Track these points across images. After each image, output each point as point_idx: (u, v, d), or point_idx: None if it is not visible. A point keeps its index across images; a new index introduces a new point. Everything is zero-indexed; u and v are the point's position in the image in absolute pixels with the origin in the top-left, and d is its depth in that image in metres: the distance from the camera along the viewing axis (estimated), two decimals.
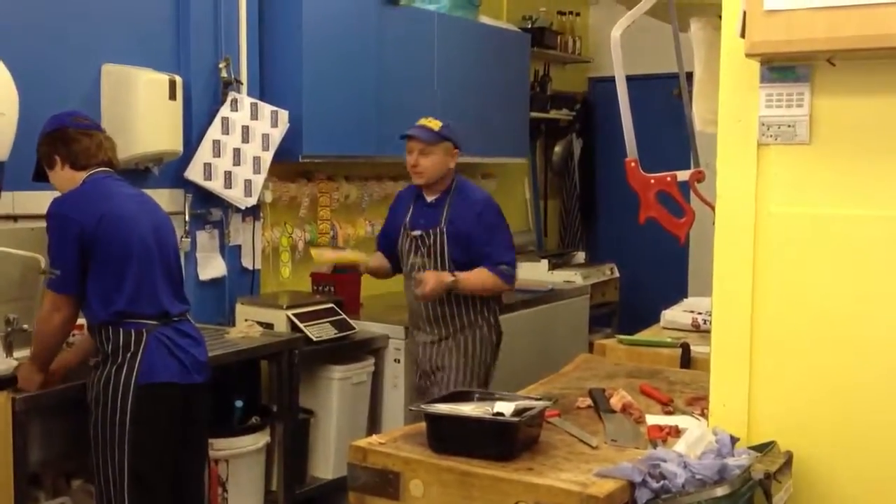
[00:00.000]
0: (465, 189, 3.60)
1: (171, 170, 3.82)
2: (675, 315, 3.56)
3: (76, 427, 2.88)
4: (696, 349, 3.00)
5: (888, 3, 1.79)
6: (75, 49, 3.47)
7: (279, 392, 3.67)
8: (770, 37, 1.90)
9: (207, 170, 3.87)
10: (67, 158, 2.86)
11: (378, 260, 3.85)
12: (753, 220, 2.07)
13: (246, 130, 3.95)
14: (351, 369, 3.95)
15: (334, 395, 3.92)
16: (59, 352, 2.87)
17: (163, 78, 3.59)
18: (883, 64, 1.94)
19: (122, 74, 3.54)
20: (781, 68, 2.01)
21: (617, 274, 5.99)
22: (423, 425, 2.10)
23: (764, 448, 2.01)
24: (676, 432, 2.17)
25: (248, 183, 3.98)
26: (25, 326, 3.12)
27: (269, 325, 3.77)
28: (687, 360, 2.99)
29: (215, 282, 4.04)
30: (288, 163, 4.21)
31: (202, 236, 4.00)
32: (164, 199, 3.60)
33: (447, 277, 3.44)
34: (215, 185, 3.90)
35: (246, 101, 3.96)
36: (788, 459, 2.01)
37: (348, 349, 3.96)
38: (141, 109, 3.51)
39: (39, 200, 3.07)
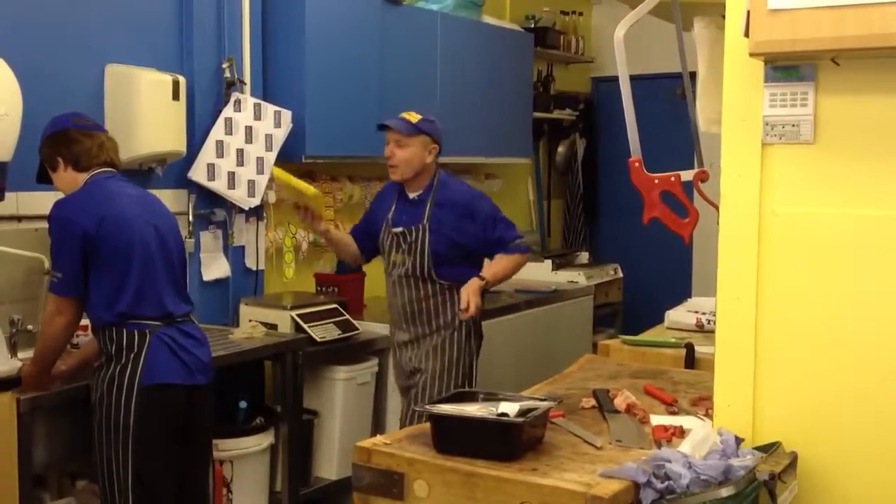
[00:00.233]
0: (447, 186, 3.51)
1: (175, 170, 3.82)
2: (678, 315, 3.56)
3: (81, 428, 2.88)
4: (700, 349, 3.00)
5: (892, 2, 1.78)
6: (79, 49, 3.48)
7: (283, 393, 3.67)
8: (774, 36, 1.89)
9: (211, 170, 3.87)
10: (69, 160, 2.86)
11: (345, 237, 3.73)
12: (757, 219, 2.06)
13: (249, 131, 3.96)
14: (355, 370, 3.95)
15: (338, 395, 3.92)
16: (61, 354, 2.87)
17: (166, 78, 3.59)
18: (887, 63, 1.93)
19: (126, 75, 3.54)
20: (785, 68, 2.01)
21: (620, 274, 5.98)
22: (427, 426, 2.10)
23: (769, 448, 2.01)
24: (681, 433, 2.16)
25: (251, 183, 3.98)
26: (30, 327, 3.12)
27: (272, 326, 3.77)
28: (691, 361, 2.99)
29: (219, 282, 4.04)
30: (291, 163, 4.20)
31: (206, 237, 4.00)
32: (168, 199, 3.60)
33: (478, 282, 3.38)
34: (219, 186, 3.90)
35: (249, 101, 3.96)
36: (793, 460, 2.01)
37: (352, 350, 3.96)
38: (144, 110, 3.52)
39: (43, 201, 3.07)
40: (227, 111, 3.91)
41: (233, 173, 3.92)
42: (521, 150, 5.66)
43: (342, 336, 3.86)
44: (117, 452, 2.76)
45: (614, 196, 6.56)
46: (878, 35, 1.81)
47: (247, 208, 4.04)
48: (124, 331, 2.78)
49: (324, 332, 3.80)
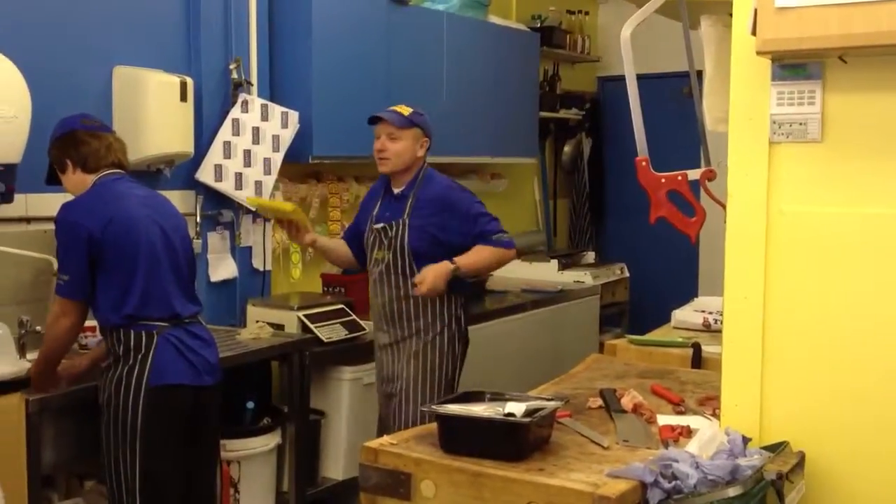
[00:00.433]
0: (431, 181, 3.39)
1: (183, 171, 3.83)
2: (685, 315, 3.55)
3: (89, 428, 2.89)
4: (707, 349, 2.99)
5: None
6: (87, 51, 3.49)
7: (290, 393, 3.68)
8: (781, 34, 1.89)
9: (218, 171, 3.88)
10: (78, 161, 2.87)
11: (335, 243, 3.68)
12: (765, 219, 2.06)
13: (256, 132, 3.96)
14: (361, 370, 3.95)
15: (345, 395, 3.93)
16: (64, 355, 2.87)
17: (174, 80, 3.60)
18: (895, 61, 1.93)
19: (134, 76, 3.56)
20: (793, 66, 2.01)
21: (627, 274, 5.97)
22: (433, 426, 2.10)
23: (776, 448, 2.00)
24: (688, 432, 2.16)
25: (258, 184, 3.99)
26: (38, 328, 3.12)
27: (279, 327, 3.77)
28: (698, 360, 2.98)
29: (226, 283, 4.05)
30: (298, 164, 4.22)
31: (213, 238, 4.01)
32: (176, 200, 3.60)
33: (447, 266, 3.24)
34: (226, 187, 3.91)
35: (256, 102, 3.97)
36: (801, 460, 2.01)
37: (359, 350, 3.95)
38: (152, 111, 3.53)
39: (52, 203, 3.08)
40: (235, 112, 3.92)
41: (240, 174, 3.93)
42: (527, 150, 5.66)
43: (349, 336, 3.87)
44: (125, 453, 2.77)
45: (620, 195, 6.55)
46: (886, 32, 1.80)
47: (254, 209, 4.05)
48: (132, 332, 2.79)
49: (330, 332, 3.80)
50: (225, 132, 3.90)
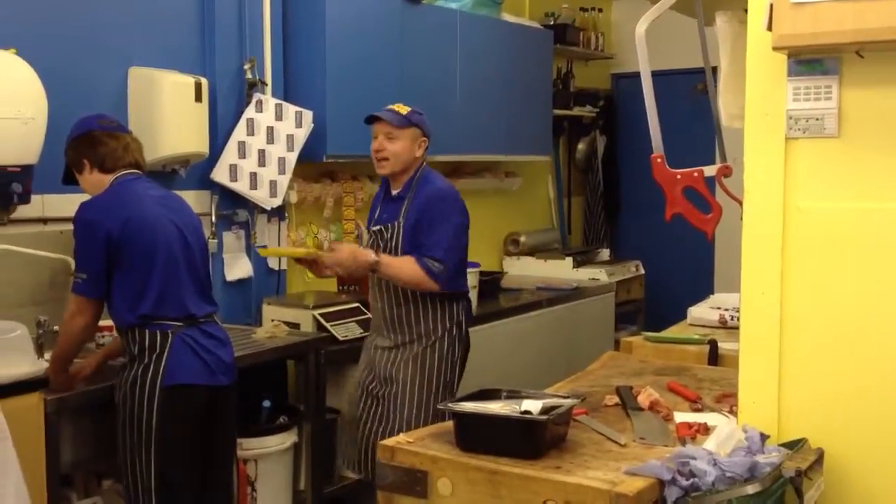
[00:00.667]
0: (426, 181, 3.28)
1: (198, 171, 3.84)
2: (701, 312, 3.54)
3: (107, 428, 2.91)
4: (723, 346, 2.98)
5: None
6: (103, 53, 3.51)
7: (306, 392, 3.69)
8: (797, 29, 1.88)
9: (233, 171, 3.89)
10: (95, 161, 2.88)
11: None
12: (782, 215, 2.05)
13: (271, 131, 3.97)
14: None
15: None
16: (77, 354, 2.89)
17: (188, 80, 3.62)
18: None
19: (149, 77, 3.57)
20: (809, 61, 2.00)
21: (642, 271, 5.96)
22: (450, 424, 2.10)
23: (794, 445, 1.99)
24: (705, 430, 2.15)
25: (273, 184, 4.00)
26: (56, 328, 3.14)
27: (295, 325, 3.78)
28: (715, 357, 2.97)
29: (242, 282, 4.06)
30: (312, 163, 4.22)
31: (228, 237, 4.02)
32: (191, 200, 3.62)
33: (369, 256, 3.15)
34: (241, 187, 3.92)
35: (270, 102, 3.98)
36: (819, 457, 2.00)
37: None
38: (167, 112, 3.54)
39: (68, 203, 3.10)
40: (249, 112, 3.93)
41: (255, 174, 3.94)
42: (541, 148, 5.65)
43: (364, 335, 3.86)
44: (140, 452, 2.79)
45: (635, 192, 6.54)
46: None
47: (269, 208, 4.06)
48: (147, 331, 2.80)
49: (346, 330, 3.81)
50: (239, 132, 3.91)
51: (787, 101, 2.02)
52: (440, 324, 3.28)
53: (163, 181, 3.48)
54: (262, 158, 3.96)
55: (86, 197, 2.92)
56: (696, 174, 2.36)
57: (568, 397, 2.17)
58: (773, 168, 2.05)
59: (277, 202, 4.03)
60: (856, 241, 2.00)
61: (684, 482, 1.80)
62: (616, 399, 2.43)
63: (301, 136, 4.04)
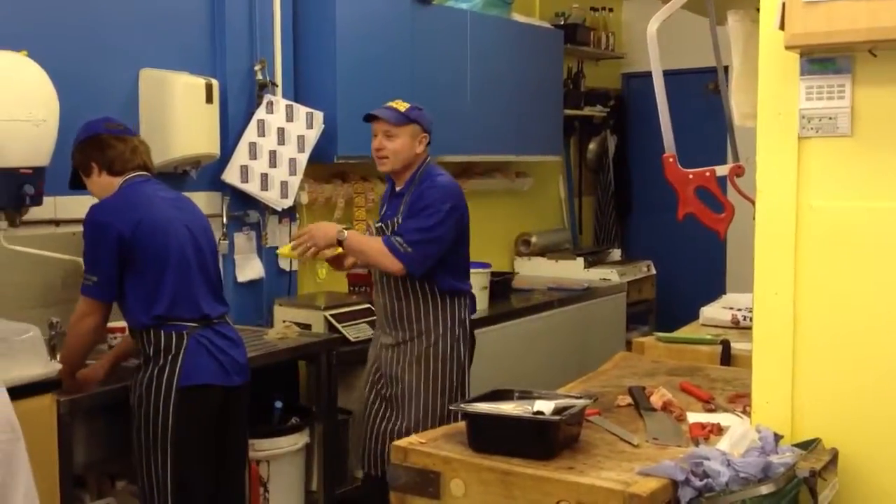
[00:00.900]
0: (427, 177, 3.25)
1: (209, 173, 3.85)
2: (714, 312, 3.53)
3: (120, 428, 2.92)
4: (736, 346, 2.97)
5: None
6: (114, 54, 3.52)
7: (317, 392, 3.69)
8: (810, 28, 1.88)
9: (244, 172, 3.90)
10: (103, 165, 2.89)
11: None
12: (794, 214, 2.04)
13: (281, 132, 3.98)
14: None
15: None
16: (87, 356, 2.89)
17: (199, 81, 3.63)
18: None
19: (160, 79, 3.58)
20: (822, 60, 1.99)
21: (653, 271, 5.95)
22: (462, 424, 2.10)
23: (808, 445, 1.98)
24: (719, 430, 2.14)
25: (284, 185, 4.00)
26: None
27: (306, 326, 3.79)
28: (727, 357, 2.96)
29: (253, 283, 4.07)
30: (323, 164, 4.23)
31: (240, 238, 4.03)
32: (202, 201, 3.64)
33: (335, 232, 3.15)
34: (252, 188, 3.93)
35: (281, 103, 3.99)
36: (834, 457, 1.99)
37: None
38: (178, 113, 3.55)
39: (80, 205, 3.10)
40: (260, 113, 3.94)
41: (266, 175, 3.95)
42: (552, 148, 5.64)
43: None
44: (156, 453, 2.79)
45: (646, 192, 6.52)
46: None
47: (280, 209, 4.07)
48: (162, 332, 2.81)
49: (357, 331, 3.81)
50: (250, 133, 3.92)
51: (799, 100, 2.02)
52: (441, 321, 3.26)
53: (174, 182, 3.50)
54: (272, 159, 3.97)
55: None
56: (708, 174, 2.36)
57: (580, 398, 2.17)
58: (786, 167, 2.04)
59: (288, 203, 4.04)
60: (869, 240, 1.99)
61: (698, 483, 1.79)
62: (629, 399, 2.43)
63: (312, 136, 4.05)
